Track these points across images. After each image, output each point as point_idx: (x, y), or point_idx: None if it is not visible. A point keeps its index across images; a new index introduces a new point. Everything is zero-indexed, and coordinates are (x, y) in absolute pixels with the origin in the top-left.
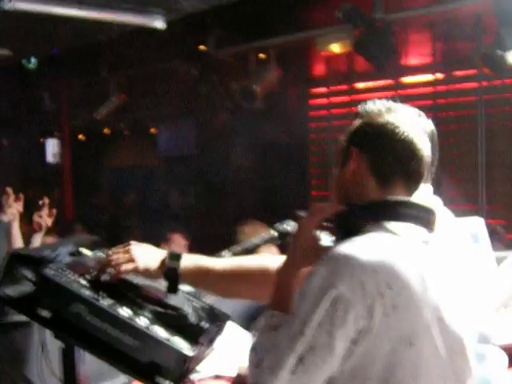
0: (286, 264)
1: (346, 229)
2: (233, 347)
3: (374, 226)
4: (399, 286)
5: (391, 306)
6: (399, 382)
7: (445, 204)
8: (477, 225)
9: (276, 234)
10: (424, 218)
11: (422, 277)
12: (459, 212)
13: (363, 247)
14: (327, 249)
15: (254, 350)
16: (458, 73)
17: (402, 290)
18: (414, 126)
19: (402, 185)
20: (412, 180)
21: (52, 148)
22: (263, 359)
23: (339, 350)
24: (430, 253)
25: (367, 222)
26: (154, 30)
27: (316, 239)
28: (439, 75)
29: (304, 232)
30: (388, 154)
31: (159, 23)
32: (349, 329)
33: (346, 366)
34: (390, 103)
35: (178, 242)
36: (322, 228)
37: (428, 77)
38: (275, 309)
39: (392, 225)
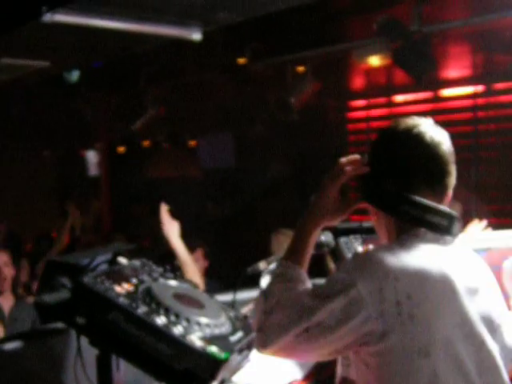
0: (305, 219)
1: (366, 193)
2: (268, 359)
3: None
4: (419, 297)
5: (408, 315)
6: None
7: (482, 217)
8: None
9: None
10: (443, 224)
11: (449, 290)
12: (497, 226)
13: (393, 254)
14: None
15: (265, 296)
16: (499, 85)
17: (421, 302)
18: (430, 129)
19: (425, 187)
20: (434, 181)
21: (92, 159)
22: (274, 312)
23: (342, 337)
24: (461, 265)
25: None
26: (192, 43)
27: (337, 200)
28: (479, 88)
29: (326, 192)
30: (401, 157)
31: (196, 35)
32: (355, 325)
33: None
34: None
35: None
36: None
37: (468, 89)
38: (288, 259)
39: (423, 232)
